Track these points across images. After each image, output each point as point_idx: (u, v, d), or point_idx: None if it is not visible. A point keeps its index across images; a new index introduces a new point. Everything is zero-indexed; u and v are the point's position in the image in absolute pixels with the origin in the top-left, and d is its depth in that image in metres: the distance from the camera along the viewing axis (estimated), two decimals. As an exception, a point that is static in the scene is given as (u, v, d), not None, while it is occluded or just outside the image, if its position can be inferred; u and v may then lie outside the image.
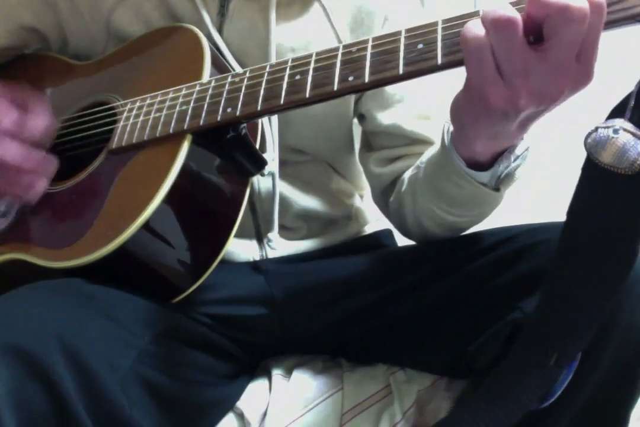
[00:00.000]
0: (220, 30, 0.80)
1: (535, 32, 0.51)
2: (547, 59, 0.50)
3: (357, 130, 0.92)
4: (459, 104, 0.60)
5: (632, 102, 0.48)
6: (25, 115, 0.72)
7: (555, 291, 0.57)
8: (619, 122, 0.48)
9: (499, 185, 0.70)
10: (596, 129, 0.49)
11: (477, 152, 0.65)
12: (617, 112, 0.49)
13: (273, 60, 0.79)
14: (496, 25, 0.50)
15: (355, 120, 0.91)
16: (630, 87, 0.49)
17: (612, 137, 0.48)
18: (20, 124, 0.71)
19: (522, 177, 0.70)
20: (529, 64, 0.51)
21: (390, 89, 0.85)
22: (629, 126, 0.47)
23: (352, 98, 0.86)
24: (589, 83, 0.53)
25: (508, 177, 0.69)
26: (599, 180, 0.51)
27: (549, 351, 0.56)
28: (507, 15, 0.50)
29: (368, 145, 0.91)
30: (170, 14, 0.81)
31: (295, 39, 0.81)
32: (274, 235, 0.82)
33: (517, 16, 0.50)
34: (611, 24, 0.50)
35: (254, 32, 0.80)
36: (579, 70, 0.51)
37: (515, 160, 0.67)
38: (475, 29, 0.51)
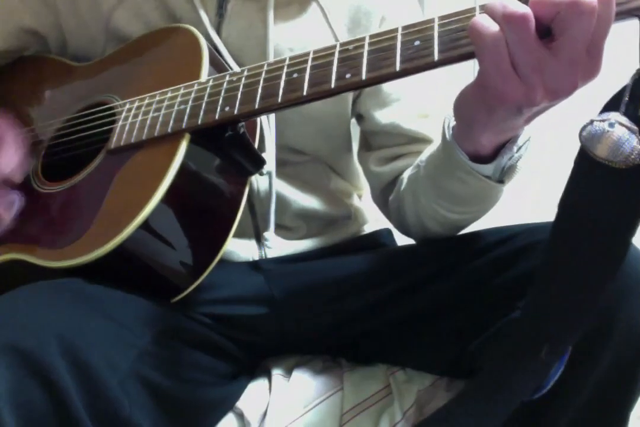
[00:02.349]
0: (218, 31, 0.81)
1: (540, 29, 0.51)
2: (560, 55, 0.51)
3: (355, 131, 0.93)
4: (468, 100, 0.60)
5: (627, 96, 0.48)
6: None
7: (546, 283, 0.57)
8: (614, 116, 0.48)
9: (503, 177, 0.70)
10: (591, 122, 0.49)
11: (480, 145, 0.65)
12: (611, 105, 0.49)
13: (271, 60, 0.79)
14: (510, 21, 0.50)
15: (354, 121, 0.91)
16: (624, 80, 0.49)
17: (608, 131, 0.48)
18: None
19: (524, 169, 0.69)
20: (543, 59, 0.51)
21: (387, 88, 0.85)
22: (624, 120, 0.47)
23: (349, 97, 0.86)
24: (597, 75, 0.53)
25: (511, 169, 0.69)
26: (593, 173, 0.51)
27: (540, 343, 0.56)
28: (522, 11, 0.50)
29: (367, 145, 0.91)
30: (169, 14, 0.82)
31: (293, 39, 0.82)
32: (270, 234, 0.82)
33: (530, 12, 0.50)
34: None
35: (252, 32, 0.81)
36: (588, 63, 0.52)
37: (518, 150, 0.67)
38: (487, 24, 0.51)
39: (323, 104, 0.67)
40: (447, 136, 0.68)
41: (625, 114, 0.48)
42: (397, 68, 0.57)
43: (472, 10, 0.55)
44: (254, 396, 0.79)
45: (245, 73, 0.68)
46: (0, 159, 0.72)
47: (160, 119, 0.70)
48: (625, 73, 0.49)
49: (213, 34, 0.79)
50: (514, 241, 0.74)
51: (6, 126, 0.76)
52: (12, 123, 0.79)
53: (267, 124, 0.80)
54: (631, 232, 0.52)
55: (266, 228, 0.83)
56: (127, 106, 0.75)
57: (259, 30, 0.81)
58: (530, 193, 1.42)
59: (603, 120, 0.48)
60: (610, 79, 0.56)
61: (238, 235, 0.80)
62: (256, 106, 0.65)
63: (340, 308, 0.81)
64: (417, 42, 0.57)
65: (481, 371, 0.60)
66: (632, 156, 0.47)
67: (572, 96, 0.54)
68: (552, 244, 0.56)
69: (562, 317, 0.56)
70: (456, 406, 0.61)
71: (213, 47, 0.78)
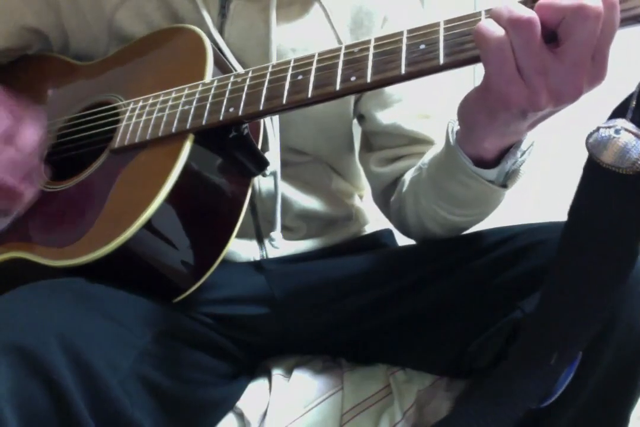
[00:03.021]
0: (221, 31, 0.81)
1: (545, 34, 0.51)
2: (565, 60, 0.51)
3: (356, 131, 0.93)
4: (472, 104, 0.60)
5: (634, 103, 0.48)
6: (19, 125, 0.71)
7: (555, 290, 0.57)
8: (621, 122, 0.48)
9: (506, 181, 0.70)
10: (598, 129, 0.49)
11: (484, 150, 0.66)
12: (619, 112, 0.49)
13: (273, 60, 0.79)
14: (516, 25, 0.50)
15: (355, 121, 0.91)
16: (631, 88, 0.49)
17: (614, 137, 0.48)
18: (12, 134, 0.70)
19: (527, 173, 0.70)
20: (548, 64, 0.51)
21: (389, 88, 0.85)
22: (631, 126, 0.48)
23: (352, 98, 0.86)
24: (602, 81, 0.53)
25: (514, 173, 0.69)
26: (601, 180, 0.51)
27: (549, 351, 0.56)
28: (527, 15, 0.50)
29: (368, 145, 0.91)
30: (171, 14, 0.82)
31: (295, 39, 0.82)
32: (276, 234, 0.82)
33: (536, 16, 0.50)
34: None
35: (255, 32, 0.80)
36: (593, 68, 0.52)
37: (521, 155, 0.67)
38: (493, 28, 0.51)
39: (325, 105, 0.67)
40: (451, 141, 0.68)
41: (632, 120, 0.48)
42: (402, 71, 0.58)
43: (478, 14, 0.56)
44: (254, 396, 0.79)
45: (250, 74, 0.68)
46: (22, 136, 0.71)
47: (164, 119, 0.70)
48: (632, 79, 0.49)
49: (216, 34, 0.79)
50: (515, 241, 0.75)
51: (26, 104, 0.75)
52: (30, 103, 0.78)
53: (271, 125, 0.80)
54: (639, 237, 0.52)
55: (270, 228, 0.83)
56: (131, 106, 0.75)
57: (261, 31, 0.81)
58: (530, 193, 1.42)
59: (609, 127, 0.48)
60: (616, 84, 0.57)
61: (240, 235, 0.80)
62: (260, 107, 0.65)
63: (340, 308, 0.81)
64: (422, 46, 0.57)
65: (489, 378, 0.61)
66: (639, 162, 0.47)
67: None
68: (561, 249, 0.56)
69: (571, 324, 0.56)
70: (462, 414, 0.61)
71: (216, 48, 0.78)
